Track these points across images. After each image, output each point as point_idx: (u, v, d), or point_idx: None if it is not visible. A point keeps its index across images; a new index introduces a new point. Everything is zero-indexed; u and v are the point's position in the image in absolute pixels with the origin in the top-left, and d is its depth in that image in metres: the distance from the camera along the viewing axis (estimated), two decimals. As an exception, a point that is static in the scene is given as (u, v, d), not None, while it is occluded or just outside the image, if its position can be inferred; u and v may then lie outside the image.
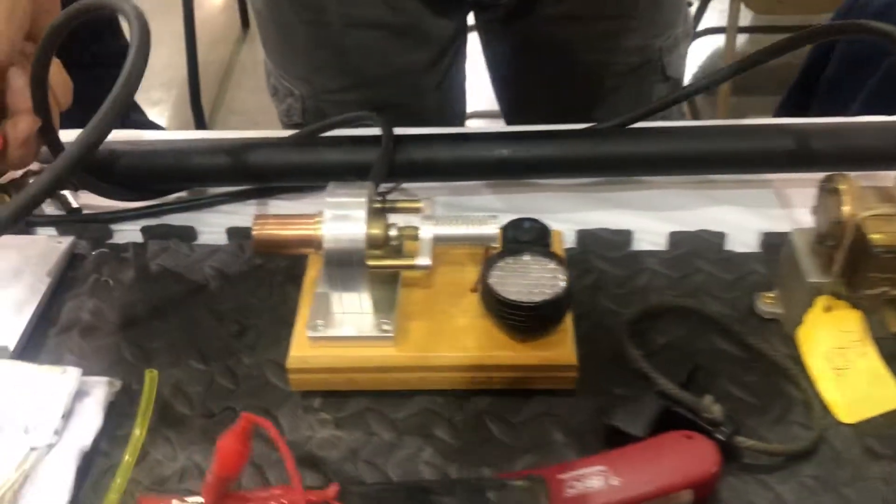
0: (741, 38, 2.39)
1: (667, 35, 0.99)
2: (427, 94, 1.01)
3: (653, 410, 0.57)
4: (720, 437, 0.56)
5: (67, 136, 0.62)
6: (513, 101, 1.13)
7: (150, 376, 0.60)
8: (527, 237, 0.63)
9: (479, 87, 1.18)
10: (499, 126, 0.96)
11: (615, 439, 0.57)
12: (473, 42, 1.06)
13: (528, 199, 0.77)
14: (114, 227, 0.77)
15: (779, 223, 0.74)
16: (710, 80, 0.73)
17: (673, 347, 0.63)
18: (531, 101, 1.08)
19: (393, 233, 0.61)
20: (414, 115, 0.74)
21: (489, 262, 0.60)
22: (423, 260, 0.59)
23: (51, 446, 0.58)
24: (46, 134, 0.61)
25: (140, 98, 2.42)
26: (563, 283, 0.58)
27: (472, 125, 1.99)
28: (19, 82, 0.58)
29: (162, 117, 2.41)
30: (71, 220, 0.76)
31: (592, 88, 1.01)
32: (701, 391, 0.60)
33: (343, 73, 0.97)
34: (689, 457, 0.55)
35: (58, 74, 0.62)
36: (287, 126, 1.05)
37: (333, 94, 0.99)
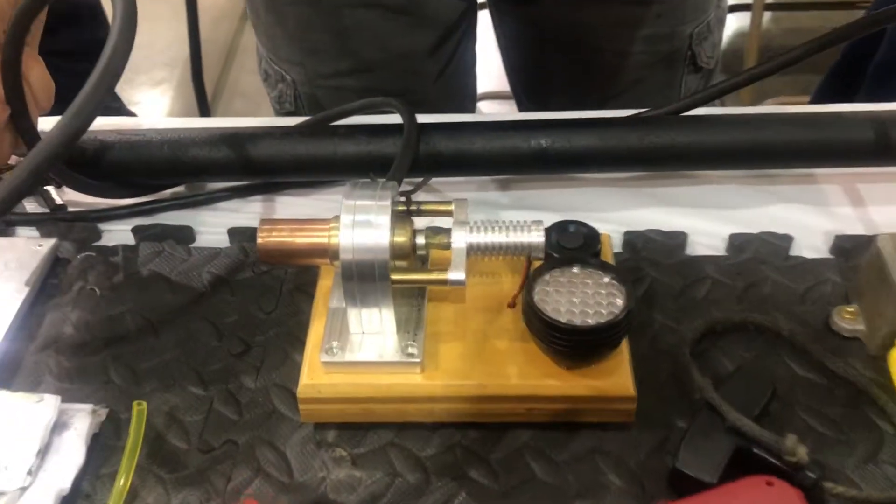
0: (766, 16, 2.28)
1: (698, 21, 0.90)
2: (429, 80, 0.93)
3: (725, 451, 0.49)
4: (806, 483, 0.47)
5: (47, 123, 0.54)
6: (527, 91, 1.05)
7: (138, 410, 0.51)
8: (573, 243, 0.54)
9: (492, 65, 1.09)
10: (515, 112, 0.88)
11: (681, 484, 0.49)
12: (485, 18, 0.97)
13: (567, 196, 0.69)
14: (102, 226, 0.69)
15: (851, 224, 0.66)
16: (780, 60, 0.63)
17: (742, 372, 0.55)
18: (546, 92, 1.00)
19: (420, 241, 0.52)
20: (415, 105, 0.65)
21: (532, 275, 0.51)
22: (457, 274, 0.51)
23: (23, 490, 0.50)
24: (20, 125, 0.52)
25: (142, 78, 2.34)
26: (621, 302, 0.50)
27: (484, 108, 1.91)
28: None
29: (165, 97, 2.32)
30: (54, 219, 0.68)
31: (613, 80, 0.92)
32: (775, 424, 0.53)
33: (337, 56, 0.88)
34: (771, 508, 0.46)
35: (39, 73, 0.56)
36: (279, 114, 0.96)
37: (328, 79, 0.90)
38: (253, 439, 0.54)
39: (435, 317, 0.55)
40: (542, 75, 1.00)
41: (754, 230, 0.64)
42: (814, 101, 1.53)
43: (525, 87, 1.05)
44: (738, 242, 0.64)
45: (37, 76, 0.55)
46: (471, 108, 1.08)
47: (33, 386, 0.57)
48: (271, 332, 0.59)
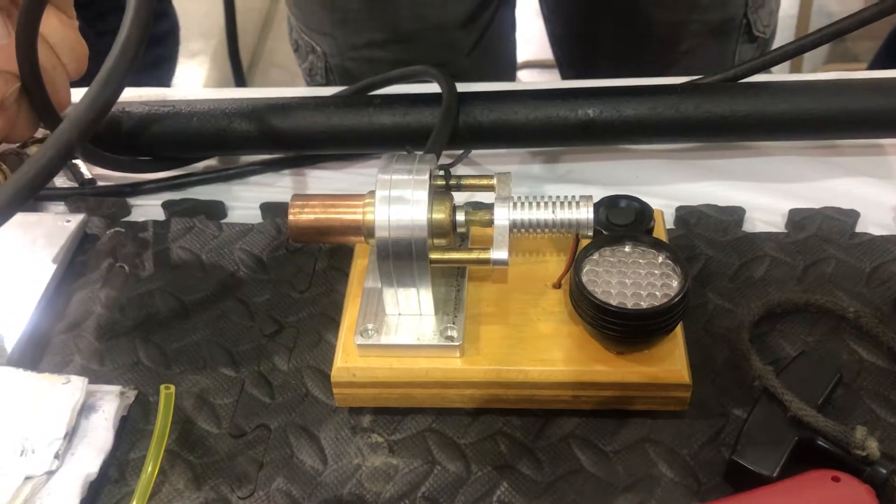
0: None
1: None
2: (463, 52, 0.89)
3: (787, 443, 0.46)
4: (876, 479, 0.44)
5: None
6: (571, 62, 1.00)
7: (166, 394, 0.49)
8: (623, 220, 0.51)
9: (533, 31, 1.05)
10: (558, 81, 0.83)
11: (740, 478, 0.46)
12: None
13: (615, 169, 0.65)
14: (132, 201, 0.67)
15: (921, 198, 0.61)
16: (851, 20, 0.59)
17: (804, 357, 0.51)
18: (593, 63, 0.95)
19: (460, 217, 0.49)
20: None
21: (580, 254, 0.48)
22: (500, 253, 0.47)
23: (50, 474, 0.48)
24: (34, 98, 0.50)
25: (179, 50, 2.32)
26: (676, 284, 0.46)
27: (524, 78, 1.85)
28: None
29: (201, 69, 2.31)
30: (82, 194, 0.66)
31: (665, 50, 0.88)
32: (840, 414, 0.49)
33: (369, 27, 0.85)
34: (838, 505, 0.43)
35: (64, 34, 0.52)
36: (311, 86, 0.93)
37: (359, 50, 0.87)
38: (286, 424, 0.51)
39: (475, 298, 0.52)
40: (588, 46, 0.96)
41: (816, 205, 0.60)
42: (872, 69, 1.46)
43: (570, 58, 1.01)
44: (798, 218, 0.60)
45: (61, 37, 0.51)
46: (510, 79, 1.04)
47: (60, 366, 0.55)
48: (304, 313, 0.57)
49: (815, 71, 1.91)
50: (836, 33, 0.60)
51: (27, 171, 0.43)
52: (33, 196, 0.44)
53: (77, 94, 0.53)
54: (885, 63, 1.40)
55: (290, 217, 0.49)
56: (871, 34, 1.48)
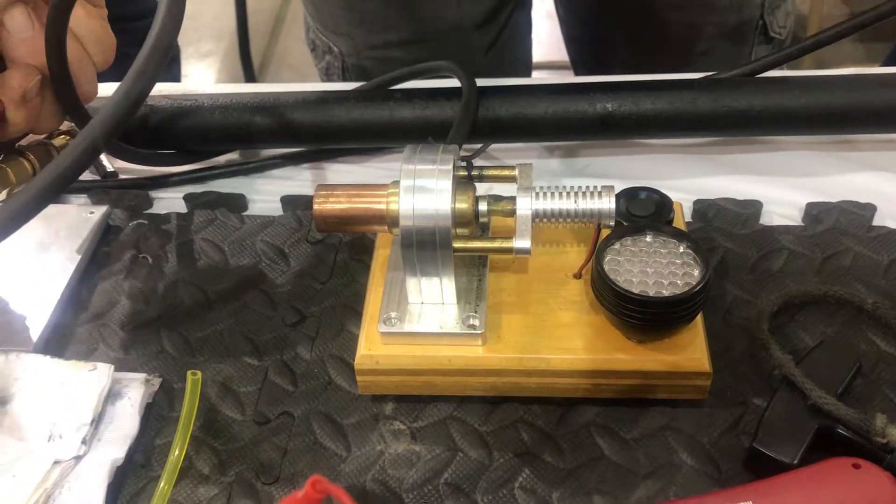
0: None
1: None
2: (479, 52, 0.89)
3: (807, 430, 0.46)
4: (897, 466, 0.44)
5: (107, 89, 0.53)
6: (587, 64, 1.01)
7: (193, 379, 0.50)
8: (643, 211, 0.51)
9: (548, 33, 1.06)
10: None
11: (760, 465, 0.46)
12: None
13: (633, 163, 0.66)
14: (154, 193, 0.67)
15: (938, 192, 0.62)
16: (870, 14, 0.59)
17: (824, 347, 0.51)
18: (608, 65, 0.96)
19: (483, 207, 0.50)
20: None
21: (602, 244, 0.49)
22: (522, 242, 0.48)
23: (78, 459, 0.49)
24: (61, 91, 0.51)
25: (189, 51, 2.34)
26: (697, 273, 0.47)
27: (537, 76, 1.86)
28: (20, 25, 0.48)
29: (212, 70, 2.32)
30: (105, 186, 0.67)
31: (680, 52, 0.88)
32: (859, 403, 0.49)
33: (386, 27, 0.85)
34: (859, 491, 0.44)
35: (92, 26, 0.52)
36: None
37: (376, 50, 0.87)
38: (309, 411, 0.52)
39: (497, 287, 0.52)
40: (604, 48, 0.96)
41: (833, 199, 0.61)
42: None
43: (585, 60, 1.02)
44: (815, 212, 0.60)
45: (88, 29, 0.51)
46: (525, 76, 1.04)
47: (86, 355, 0.56)
48: (326, 303, 0.58)
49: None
50: (854, 28, 0.61)
51: (54, 169, 0.43)
52: (60, 194, 0.44)
53: (103, 90, 0.54)
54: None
55: (315, 206, 0.49)
56: (885, 35, 1.48)
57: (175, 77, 1.76)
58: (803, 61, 1.90)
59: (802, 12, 1.97)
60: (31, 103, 0.49)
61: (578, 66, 1.04)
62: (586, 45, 0.99)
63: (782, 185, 0.63)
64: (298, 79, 2.18)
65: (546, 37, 1.32)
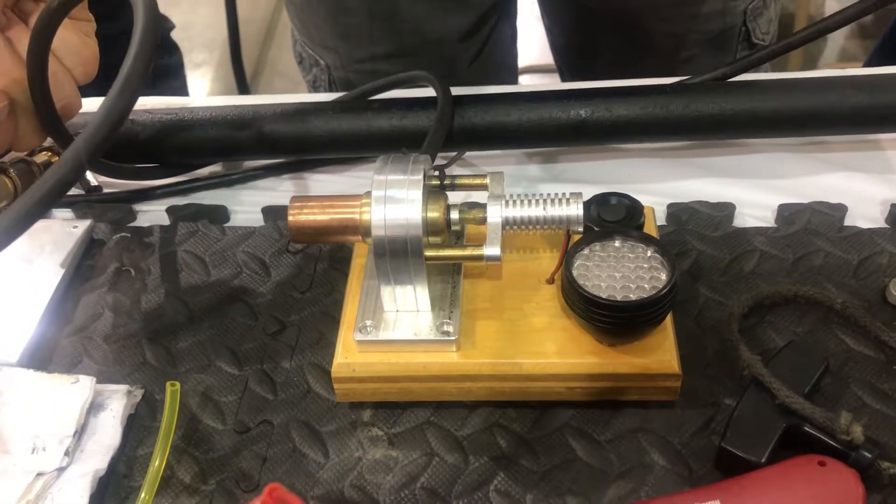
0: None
1: None
2: (464, 64, 0.90)
3: (775, 429, 0.47)
4: (861, 463, 0.45)
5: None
6: (572, 70, 1.01)
7: (172, 390, 0.51)
8: (614, 216, 0.52)
9: (535, 37, 1.07)
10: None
11: (729, 465, 0.47)
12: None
13: (608, 168, 0.66)
14: (137, 207, 0.68)
15: (908, 192, 0.63)
16: (834, 19, 0.60)
17: (792, 347, 0.52)
18: (593, 71, 0.96)
19: (454, 216, 0.51)
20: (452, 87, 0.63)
21: (572, 250, 0.50)
22: (493, 249, 0.49)
23: (61, 470, 0.50)
24: (40, 111, 0.51)
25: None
26: (664, 277, 0.48)
27: (526, 83, 1.87)
28: None
29: (204, 80, 2.33)
30: (89, 200, 0.68)
31: (664, 59, 0.89)
32: (828, 401, 0.50)
33: (372, 41, 0.86)
34: (825, 488, 0.45)
35: (74, 38, 0.52)
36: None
37: (363, 63, 0.88)
38: (288, 419, 0.53)
39: (471, 294, 0.53)
40: (589, 55, 0.97)
41: (805, 200, 0.62)
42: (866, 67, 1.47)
43: (570, 66, 1.02)
44: (787, 213, 0.61)
45: (65, 43, 0.51)
46: (511, 83, 1.05)
47: (69, 368, 0.57)
48: (306, 312, 0.59)
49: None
50: (821, 31, 0.62)
51: (37, 190, 0.44)
52: (42, 215, 0.45)
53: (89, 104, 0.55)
54: (882, 61, 1.41)
55: (290, 218, 0.50)
56: (870, 33, 1.49)
57: (181, 82, 1.77)
58: (790, 62, 1.91)
59: (790, 10, 1.98)
60: (2, 126, 0.49)
61: (564, 71, 1.04)
62: (572, 53, 1.00)
63: (755, 187, 0.63)
64: (290, 87, 2.19)
65: (535, 40, 1.32)
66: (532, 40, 1.28)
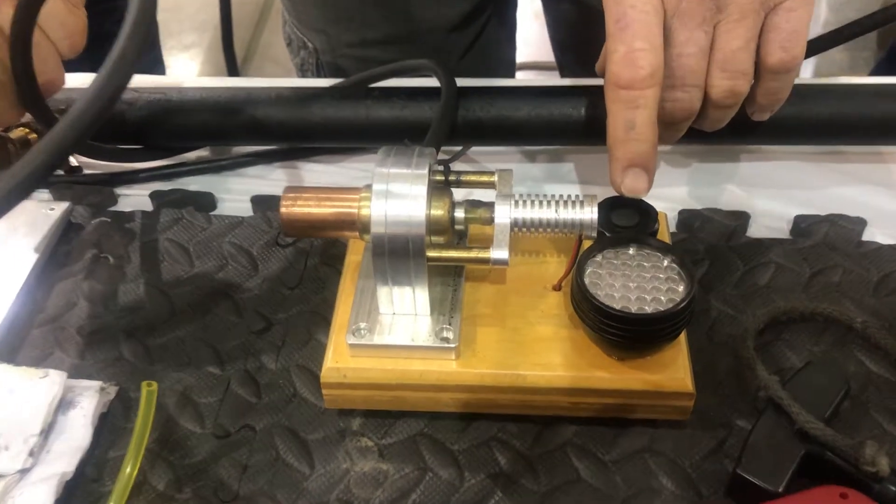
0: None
1: None
2: (455, 55, 0.87)
3: (794, 457, 0.44)
4: (887, 496, 0.42)
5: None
6: (573, 68, 0.98)
7: (148, 391, 0.47)
8: (626, 221, 0.49)
9: (534, 33, 1.04)
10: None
11: (743, 492, 0.44)
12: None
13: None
14: (119, 190, 0.65)
15: (929, 207, 0.60)
16: (857, 25, 0.57)
17: (812, 368, 0.49)
18: (594, 68, 0.93)
19: (459, 214, 0.48)
20: None
21: (583, 256, 0.46)
22: (500, 252, 0.46)
23: (24, 472, 0.46)
24: (24, 91, 0.48)
25: (172, 42, 2.29)
26: (682, 289, 0.45)
27: (522, 78, 1.84)
28: None
29: (194, 62, 2.28)
30: (68, 181, 0.64)
31: None
32: (847, 427, 0.47)
33: (362, 26, 0.83)
34: (846, 523, 0.41)
35: (60, 7, 0.49)
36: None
37: (352, 48, 0.85)
38: (272, 425, 0.49)
39: (472, 298, 0.50)
40: (592, 54, 0.94)
41: (823, 212, 0.59)
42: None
43: (571, 63, 1.00)
44: (804, 225, 0.58)
45: (50, 12, 0.48)
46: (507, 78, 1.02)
47: (39, 360, 0.53)
48: (294, 310, 0.55)
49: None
50: (835, 39, 0.59)
51: (14, 173, 0.40)
52: (20, 201, 0.41)
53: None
54: (888, 72, 1.39)
55: (283, 209, 0.47)
56: (873, 45, 1.47)
57: (157, 59, 1.72)
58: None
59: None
60: None
61: (564, 68, 1.02)
62: (573, 49, 0.97)
63: (771, 196, 0.61)
64: (282, 72, 2.15)
65: (533, 37, 1.30)
66: (530, 37, 1.25)
